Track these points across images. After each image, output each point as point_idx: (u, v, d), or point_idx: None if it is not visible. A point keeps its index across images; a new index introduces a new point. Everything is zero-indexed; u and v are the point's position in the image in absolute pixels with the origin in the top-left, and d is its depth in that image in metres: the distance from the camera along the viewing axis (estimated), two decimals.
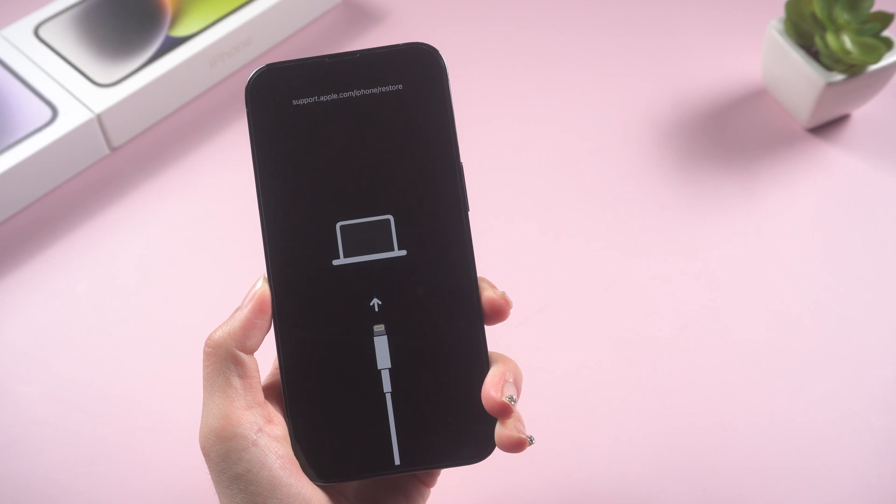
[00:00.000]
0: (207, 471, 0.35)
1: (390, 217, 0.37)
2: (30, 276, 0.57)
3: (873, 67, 0.59)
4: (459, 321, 0.37)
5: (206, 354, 0.36)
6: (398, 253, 0.37)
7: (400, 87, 0.37)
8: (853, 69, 0.59)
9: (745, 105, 0.66)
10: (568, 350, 0.53)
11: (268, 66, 0.37)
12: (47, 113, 0.60)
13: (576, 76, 0.69)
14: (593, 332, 0.54)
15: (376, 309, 0.37)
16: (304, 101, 0.37)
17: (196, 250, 0.58)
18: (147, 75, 0.63)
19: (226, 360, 0.35)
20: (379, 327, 0.37)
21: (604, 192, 0.61)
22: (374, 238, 0.37)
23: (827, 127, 0.65)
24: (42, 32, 0.65)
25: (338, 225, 0.37)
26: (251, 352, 0.36)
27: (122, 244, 0.59)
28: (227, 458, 0.34)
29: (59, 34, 0.65)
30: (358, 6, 0.73)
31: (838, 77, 0.59)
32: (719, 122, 0.65)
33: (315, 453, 0.36)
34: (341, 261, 0.37)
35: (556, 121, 0.66)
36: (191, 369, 0.53)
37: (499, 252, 0.57)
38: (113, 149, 0.64)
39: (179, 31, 0.65)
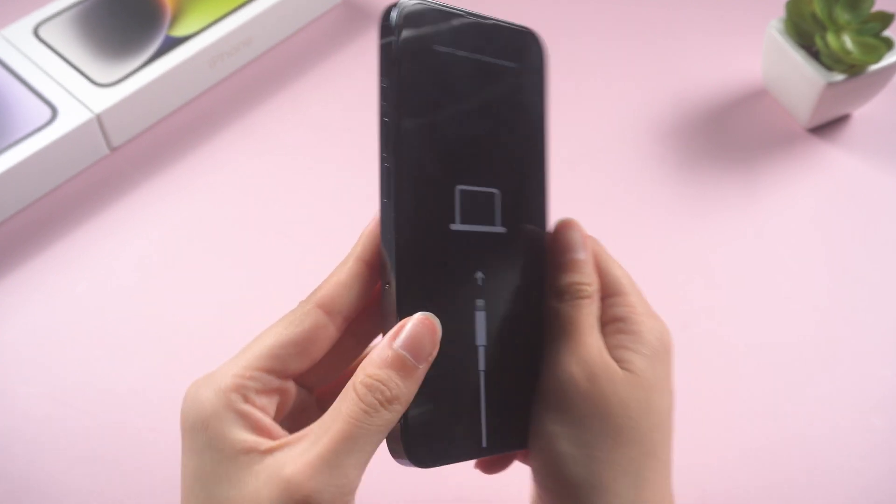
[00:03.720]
0: None
1: (497, 191, 0.35)
2: (30, 276, 0.57)
3: (874, 67, 0.59)
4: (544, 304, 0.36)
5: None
6: (499, 229, 0.35)
7: (515, 65, 0.36)
8: (853, 69, 0.59)
9: (746, 105, 0.66)
10: None
11: (419, 1, 0.33)
12: (47, 113, 0.60)
13: (576, 76, 0.68)
14: None
15: (479, 283, 0.35)
16: (445, 49, 0.34)
17: (196, 250, 0.58)
18: (147, 75, 0.63)
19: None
20: (480, 301, 0.35)
21: (604, 192, 0.61)
22: (485, 209, 0.35)
23: (827, 127, 0.65)
24: (42, 32, 0.65)
25: (457, 188, 0.34)
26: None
27: (122, 244, 0.59)
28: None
29: (59, 34, 0.65)
30: (358, 6, 0.73)
31: (838, 77, 0.59)
32: (719, 123, 0.65)
33: (418, 436, 0.33)
34: (458, 227, 0.34)
35: (556, 121, 0.65)
36: (190, 369, 0.53)
37: None
38: (113, 149, 0.64)
39: (179, 31, 0.65)
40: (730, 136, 0.64)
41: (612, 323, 0.36)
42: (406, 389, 0.31)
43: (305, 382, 0.35)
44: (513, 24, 0.36)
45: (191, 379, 0.34)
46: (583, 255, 0.36)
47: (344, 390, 0.31)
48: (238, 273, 0.57)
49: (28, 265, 0.58)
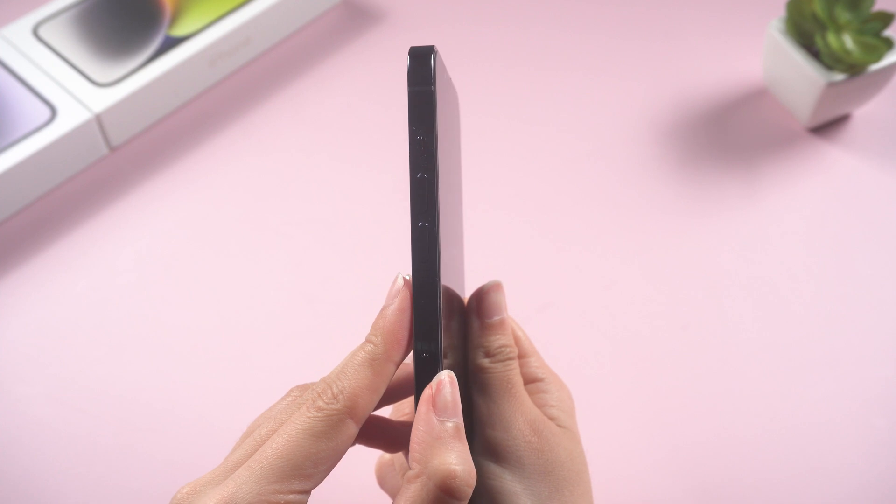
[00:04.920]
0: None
1: (457, 251, 0.34)
2: (30, 276, 0.57)
3: (874, 67, 0.59)
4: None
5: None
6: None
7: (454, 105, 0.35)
8: (854, 69, 0.59)
9: (746, 105, 0.66)
10: (568, 350, 0.53)
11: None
12: (46, 113, 0.60)
13: (577, 76, 0.68)
14: (593, 332, 0.54)
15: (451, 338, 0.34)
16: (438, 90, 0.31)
17: (195, 250, 0.58)
18: (146, 75, 0.63)
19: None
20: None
21: (605, 192, 0.61)
22: (455, 268, 0.34)
23: (828, 127, 0.65)
24: (41, 32, 0.65)
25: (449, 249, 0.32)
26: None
27: (121, 244, 0.59)
28: None
29: (59, 34, 0.65)
30: (358, 6, 0.73)
31: (839, 77, 0.59)
32: (720, 123, 0.65)
33: None
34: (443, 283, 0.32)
35: (556, 121, 0.66)
36: (189, 369, 0.53)
37: (499, 252, 0.57)
38: (112, 149, 0.63)
39: (179, 31, 0.65)
40: (730, 135, 0.64)
41: (530, 383, 0.37)
42: (467, 453, 0.31)
43: None
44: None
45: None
46: (505, 316, 0.36)
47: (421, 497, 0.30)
48: (237, 272, 0.57)
49: (28, 265, 0.57)
